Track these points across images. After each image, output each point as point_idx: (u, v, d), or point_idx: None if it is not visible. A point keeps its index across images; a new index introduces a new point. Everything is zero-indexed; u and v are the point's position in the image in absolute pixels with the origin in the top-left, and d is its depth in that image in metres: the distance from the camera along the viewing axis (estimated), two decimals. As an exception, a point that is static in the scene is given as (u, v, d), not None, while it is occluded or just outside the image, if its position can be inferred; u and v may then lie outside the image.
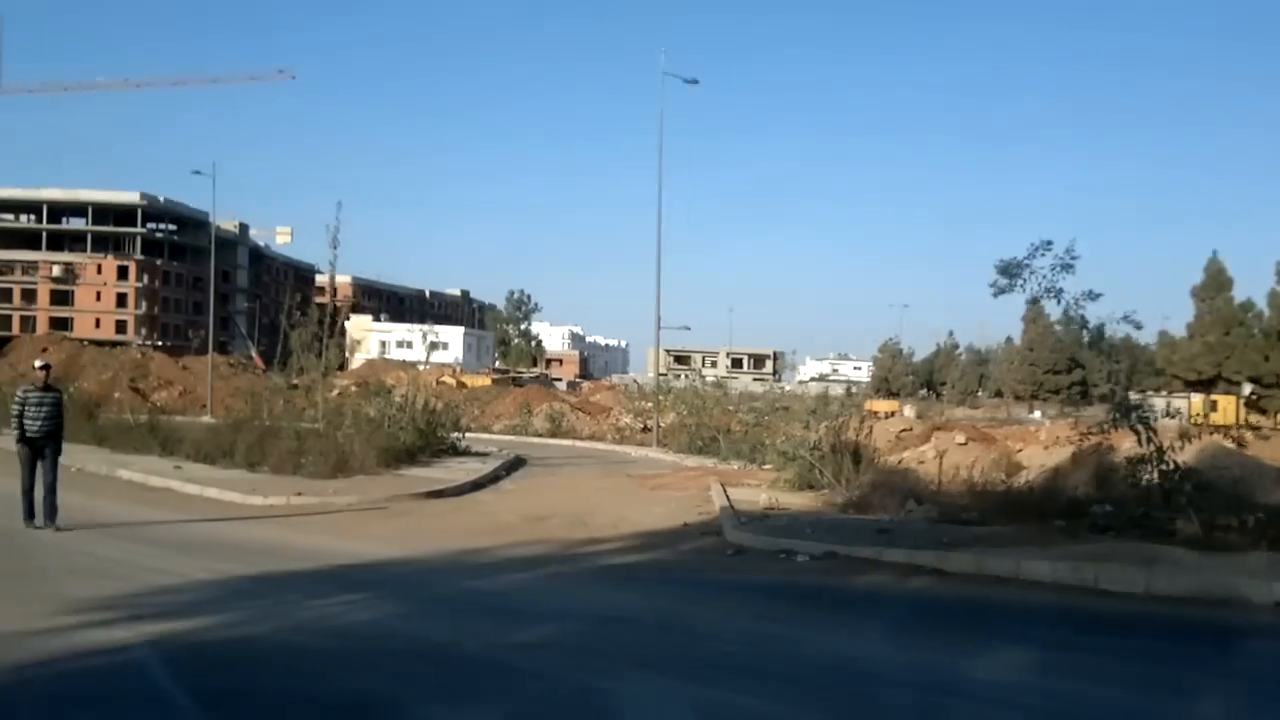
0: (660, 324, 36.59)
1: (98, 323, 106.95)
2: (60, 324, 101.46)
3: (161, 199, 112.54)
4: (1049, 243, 12.93)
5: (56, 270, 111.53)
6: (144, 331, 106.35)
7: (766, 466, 23.19)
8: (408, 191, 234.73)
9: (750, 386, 77.05)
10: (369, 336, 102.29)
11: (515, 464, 25.83)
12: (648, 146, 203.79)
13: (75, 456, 21.71)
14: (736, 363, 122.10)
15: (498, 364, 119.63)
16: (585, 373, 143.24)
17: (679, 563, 11.97)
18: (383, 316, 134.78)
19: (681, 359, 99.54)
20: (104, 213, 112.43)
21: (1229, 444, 16.95)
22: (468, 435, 29.20)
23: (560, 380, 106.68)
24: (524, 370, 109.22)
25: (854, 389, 74.57)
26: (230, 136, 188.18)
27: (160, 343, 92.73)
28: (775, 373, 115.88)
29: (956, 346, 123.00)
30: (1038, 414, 75.90)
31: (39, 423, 12.81)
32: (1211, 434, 16.45)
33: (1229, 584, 9.42)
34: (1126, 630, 8.53)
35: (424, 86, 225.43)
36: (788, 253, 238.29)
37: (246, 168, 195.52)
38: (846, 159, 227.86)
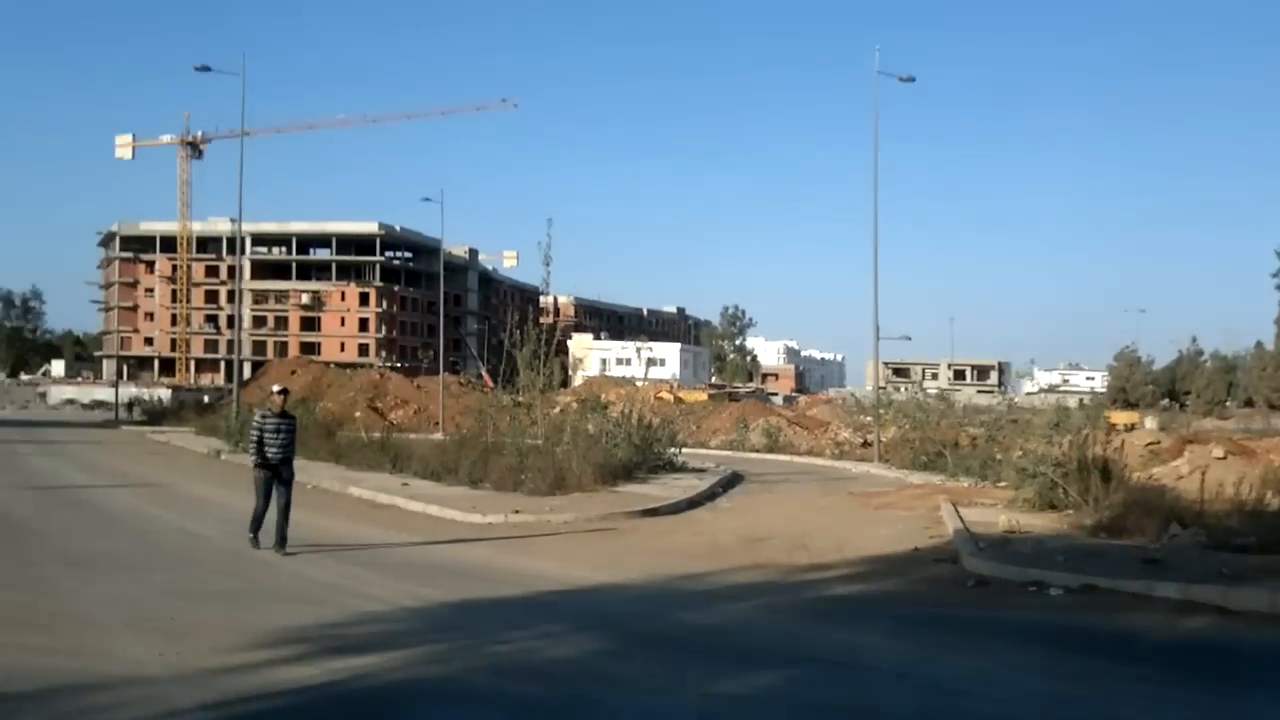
0: (879, 335, 34.97)
1: (342, 346, 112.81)
2: (308, 348, 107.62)
3: (398, 228, 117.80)
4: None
5: (305, 298, 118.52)
6: (383, 354, 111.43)
7: (1001, 484, 21.42)
8: (625, 212, 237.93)
9: (974, 399, 73.60)
10: (590, 354, 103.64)
11: (732, 480, 24.92)
12: (860, 153, 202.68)
13: (313, 473, 22.32)
14: (959, 374, 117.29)
15: (714, 379, 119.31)
16: (801, 387, 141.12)
17: (913, 595, 10.67)
18: (603, 335, 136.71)
19: (900, 371, 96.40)
20: (346, 243, 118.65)
21: None
22: (684, 451, 28.51)
23: (776, 395, 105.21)
24: (739, 385, 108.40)
25: (1087, 400, 69.97)
26: (460, 164, 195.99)
27: (397, 364, 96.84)
28: (1000, 384, 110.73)
29: (1200, 353, 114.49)
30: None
31: (277, 448, 12.60)
32: None
33: None
34: None
35: (639, 110, 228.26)
36: (1011, 257, 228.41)
37: (476, 194, 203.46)
38: (1073, 156, 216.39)
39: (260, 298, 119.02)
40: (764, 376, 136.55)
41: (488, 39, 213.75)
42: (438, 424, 43.67)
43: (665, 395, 59.64)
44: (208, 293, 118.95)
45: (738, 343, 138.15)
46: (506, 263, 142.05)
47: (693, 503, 19.81)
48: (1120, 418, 60.57)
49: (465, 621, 8.91)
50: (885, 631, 8.80)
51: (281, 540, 12.42)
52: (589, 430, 24.51)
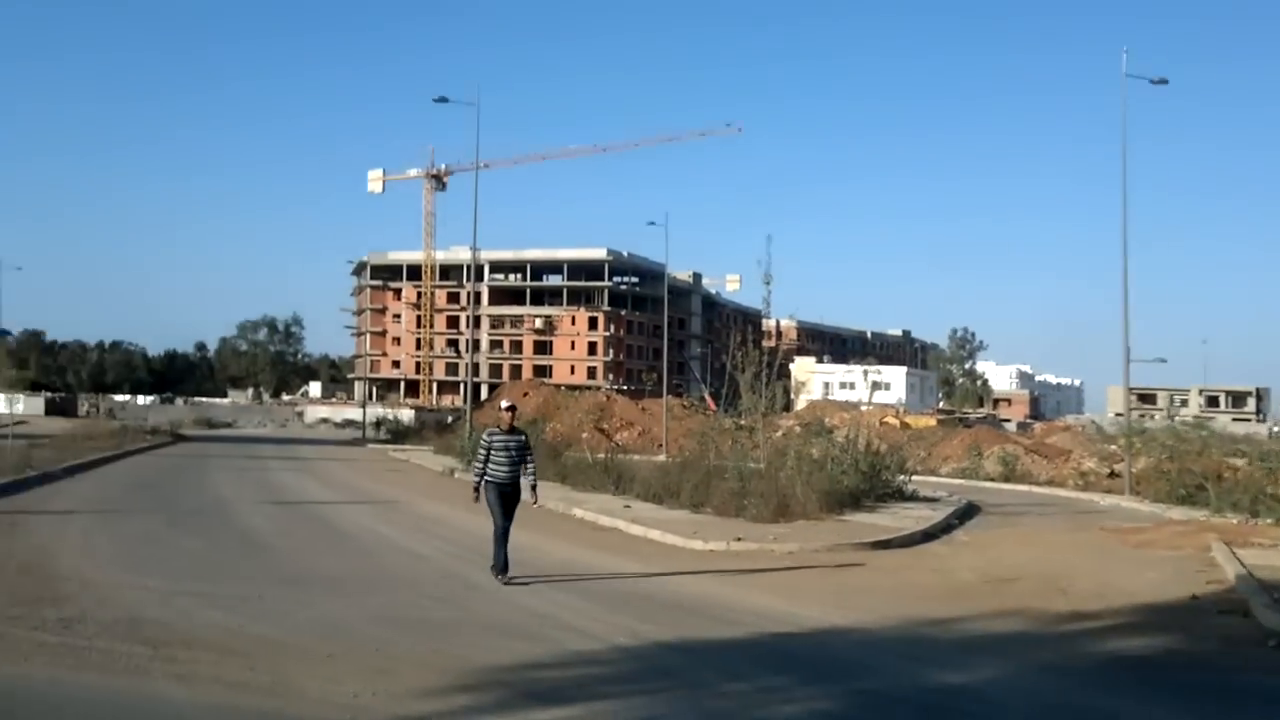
0: (1129, 358, 31.93)
1: (572, 369, 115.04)
2: (540, 371, 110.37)
3: (625, 253, 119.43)
4: None
5: (538, 322, 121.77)
6: (609, 376, 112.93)
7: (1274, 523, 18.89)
8: (848, 232, 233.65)
9: (1229, 427, 67.48)
10: (812, 378, 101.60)
11: (968, 511, 23.10)
12: (1100, 161, 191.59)
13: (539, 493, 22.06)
14: (1212, 400, 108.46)
15: (941, 404, 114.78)
16: (1035, 413, 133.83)
17: (1201, 656, 9.00)
18: (825, 358, 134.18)
19: (1145, 397, 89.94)
20: (576, 269, 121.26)
21: None
22: (913, 479, 26.80)
23: (1009, 421, 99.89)
24: (969, 410, 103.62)
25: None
26: (685, 189, 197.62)
27: (623, 386, 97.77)
28: (1259, 411, 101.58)
29: None
30: None
31: (504, 468, 11.80)
32: None
33: None
34: None
35: (864, 126, 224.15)
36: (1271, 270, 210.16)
37: (700, 219, 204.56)
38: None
39: (497, 322, 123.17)
40: (995, 402, 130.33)
41: (711, 62, 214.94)
42: (661, 446, 43.31)
43: (891, 420, 57.34)
44: (449, 318, 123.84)
45: (967, 366, 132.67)
46: (729, 286, 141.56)
47: (927, 535, 18.29)
48: None
49: (682, 667, 7.98)
50: (1178, 703, 7.29)
51: (504, 566, 11.66)
52: (813, 455, 23.35)
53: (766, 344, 32.06)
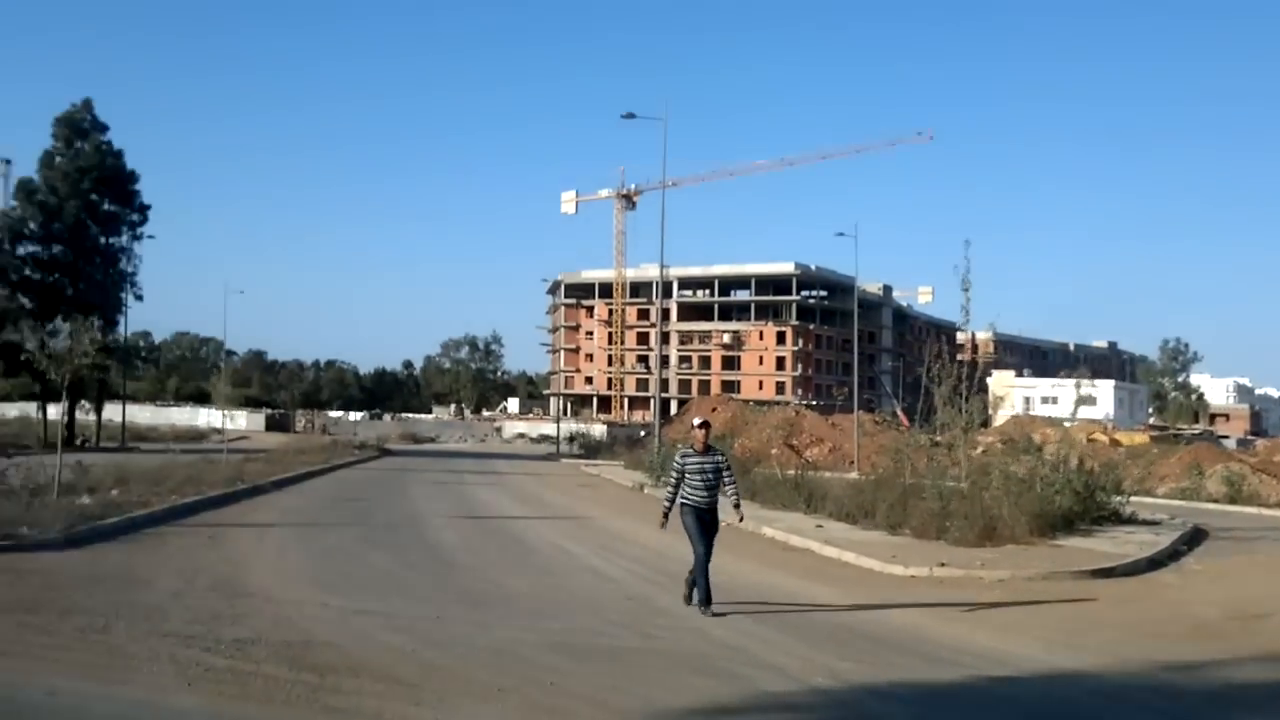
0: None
1: (760, 385, 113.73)
2: (729, 386, 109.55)
3: (813, 267, 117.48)
4: None
5: (726, 338, 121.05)
6: (798, 391, 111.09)
7: None
8: (1046, 242, 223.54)
9: None
10: (1011, 392, 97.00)
11: (1195, 536, 20.87)
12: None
13: (727, 510, 21.22)
14: None
15: (1152, 420, 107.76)
16: (1257, 429, 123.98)
17: None
18: (1025, 372, 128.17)
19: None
20: (764, 283, 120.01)
21: None
22: (1129, 500, 24.56)
23: (1227, 437, 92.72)
24: (1184, 426, 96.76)
25: None
26: (874, 200, 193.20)
27: (812, 401, 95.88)
28: None
29: None
30: None
31: (700, 491, 10.71)
32: None
33: None
34: None
35: (1059, 134, 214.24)
36: None
37: (889, 230, 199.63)
38: None
39: (685, 338, 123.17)
40: (1211, 417, 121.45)
41: (900, 70, 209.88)
42: (852, 462, 41.89)
43: (1099, 436, 53.85)
44: (639, 334, 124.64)
45: (1180, 379, 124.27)
46: (921, 299, 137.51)
47: (1154, 562, 16.42)
48: None
49: (891, 716, 6.96)
50: None
51: (704, 597, 10.52)
52: (1019, 474, 21.60)
53: (961, 357, 30.32)
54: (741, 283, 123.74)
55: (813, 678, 7.83)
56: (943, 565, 14.67)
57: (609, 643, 8.99)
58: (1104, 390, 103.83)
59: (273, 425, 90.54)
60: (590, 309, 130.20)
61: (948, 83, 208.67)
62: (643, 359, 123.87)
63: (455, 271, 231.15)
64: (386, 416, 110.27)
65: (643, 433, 64.37)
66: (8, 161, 51.53)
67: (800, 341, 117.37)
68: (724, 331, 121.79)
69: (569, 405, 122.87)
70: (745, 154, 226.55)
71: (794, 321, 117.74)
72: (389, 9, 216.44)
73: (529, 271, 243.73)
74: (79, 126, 52.22)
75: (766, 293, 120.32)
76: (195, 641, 8.01)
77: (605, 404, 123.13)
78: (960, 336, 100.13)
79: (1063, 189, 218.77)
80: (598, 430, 77.11)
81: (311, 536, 16.51)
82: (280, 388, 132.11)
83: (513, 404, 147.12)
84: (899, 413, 68.94)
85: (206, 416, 77.96)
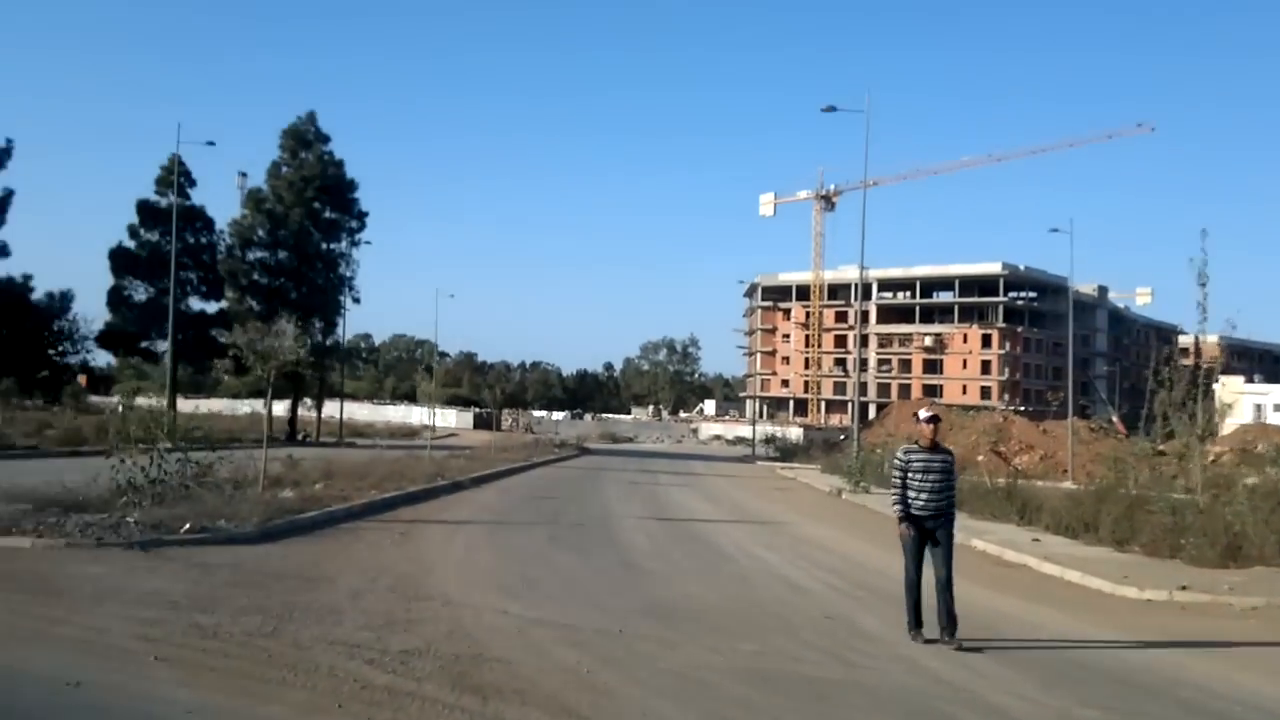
0: None
1: (964, 389, 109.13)
2: (930, 391, 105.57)
3: (1021, 267, 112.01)
4: None
5: (928, 341, 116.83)
6: (1005, 397, 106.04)
7: None
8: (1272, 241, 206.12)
9: None
10: (1240, 399, 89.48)
11: None
12: None
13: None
14: None
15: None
16: None
17: None
18: (1256, 378, 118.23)
19: None
20: (969, 284, 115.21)
21: None
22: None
23: None
24: None
25: None
26: (1089, 197, 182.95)
27: (1020, 407, 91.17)
28: None
29: None
30: None
31: (925, 495, 9.20)
32: None
33: None
34: None
35: None
36: None
37: (1106, 228, 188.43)
38: None
39: (884, 341, 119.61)
40: None
41: (1116, 61, 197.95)
42: (1065, 471, 39.24)
43: (1351, 447, 48.53)
44: (837, 337, 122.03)
45: None
46: (1139, 300, 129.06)
47: None
48: None
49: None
50: None
51: (949, 624, 8.95)
52: (1265, 488, 19.16)
53: (1184, 362, 27.53)
54: (944, 284, 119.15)
55: (1048, 726, 6.57)
56: (1184, 588, 12.89)
57: (807, 671, 7.91)
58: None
59: (480, 423, 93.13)
60: (787, 311, 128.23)
61: (1171, 73, 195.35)
62: (840, 362, 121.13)
63: (655, 275, 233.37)
64: (587, 416, 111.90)
65: (841, 436, 62.48)
66: (243, 175, 54.61)
67: (1007, 345, 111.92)
68: (925, 334, 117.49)
69: (765, 408, 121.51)
70: (949, 151, 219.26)
71: (1000, 324, 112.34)
72: (591, 8, 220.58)
73: (727, 274, 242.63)
74: (304, 138, 54.75)
75: (971, 294, 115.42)
76: (360, 651, 7.43)
77: (801, 407, 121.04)
78: (1183, 340, 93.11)
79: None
80: (794, 433, 75.59)
81: (501, 535, 16.09)
82: (488, 387, 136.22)
83: (709, 406, 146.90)
84: (1115, 420, 64.37)
85: (419, 414, 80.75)
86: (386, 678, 6.75)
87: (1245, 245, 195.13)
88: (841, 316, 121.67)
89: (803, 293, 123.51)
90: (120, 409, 16.97)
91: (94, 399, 56.09)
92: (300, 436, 53.58)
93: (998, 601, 12.00)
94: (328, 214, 55.18)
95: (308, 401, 57.44)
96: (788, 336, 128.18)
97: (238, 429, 46.56)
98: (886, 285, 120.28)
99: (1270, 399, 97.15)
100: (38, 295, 42.23)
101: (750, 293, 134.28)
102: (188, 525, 13.11)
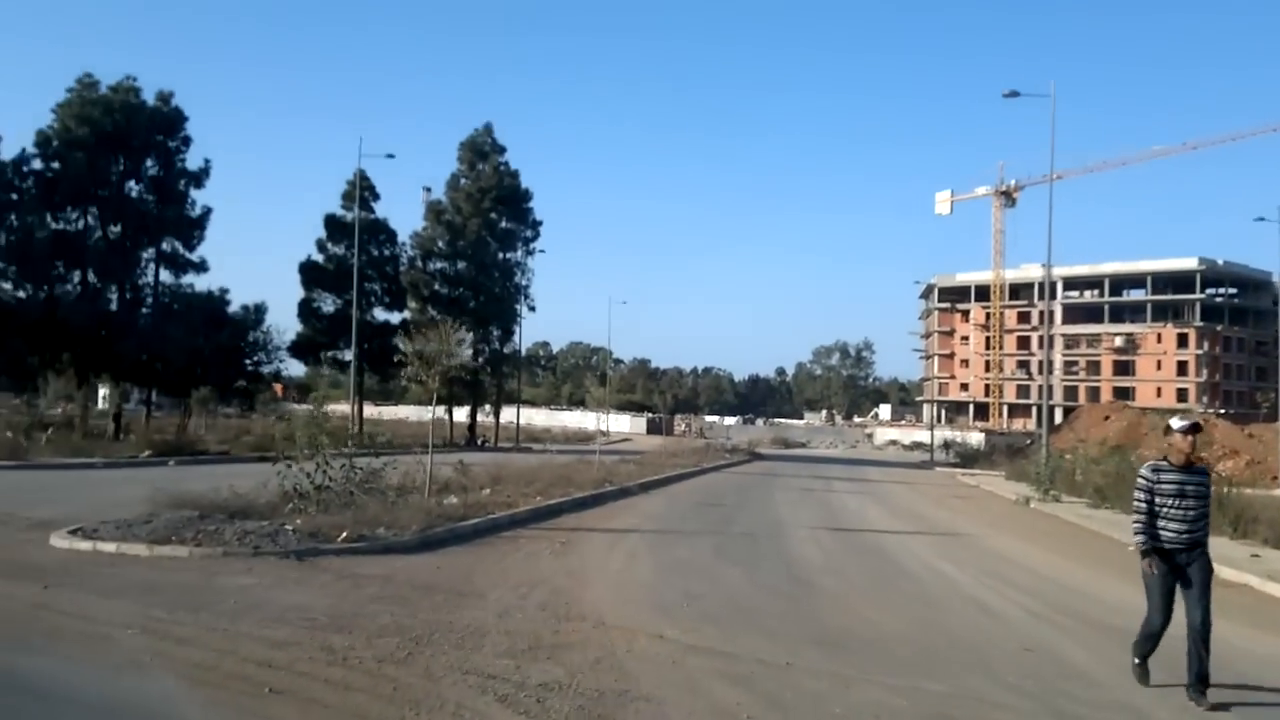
0: None
1: (1158, 391, 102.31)
2: (1121, 393, 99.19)
3: (1220, 262, 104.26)
4: None
5: (1118, 341, 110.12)
6: (1203, 399, 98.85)
7: None
8: None
9: None
10: None
11: None
12: None
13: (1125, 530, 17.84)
14: None
15: None
16: None
17: None
18: None
19: None
20: (1162, 282, 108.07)
21: None
22: None
23: None
24: None
25: None
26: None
27: (1221, 410, 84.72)
28: None
29: None
30: None
31: (1177, 524, 7.33)
32: None
33: None
34: None
35: None
36: None
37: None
38: None
39: (1071, 342, 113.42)
40: None
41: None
42: (1275, 478, 35.76)
43: None
44: (1019, 339, 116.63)
45: None
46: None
47: None
48: None
49: None
50: None
51: (1198, 679, 7.18)
52: None
53: None
54: (1135, 281, 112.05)
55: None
56: None
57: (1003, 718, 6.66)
58: None
59: (652, 429, 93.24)
60: (966, 313, 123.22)
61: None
62: (1022, 364, 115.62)
63: (827, 278, 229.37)
64: (759, 421, 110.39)
65: (1027, 441, 59.20)
66: (428, 189, 55.86)
67: (1206, 344, 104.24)
68: (1115, 334, 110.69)
69: (943, 412, 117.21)
70: (1136, 140, 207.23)
71: (1198, 322, 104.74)
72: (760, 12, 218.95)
73: (901, 276, 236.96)
74: (481, 149, 55.63)
75: (1164, 292, 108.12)
76: (495, 684, 6.59)
77: (981, 411, 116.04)
78: None
79: None
80: (974, 438, 72.24)
81: (665, 545, 15.16)
82: (660, 393, 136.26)
83: (884, 410, 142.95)
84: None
85: (593, 420, 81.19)
86: (515, 720, 5.89)
87: None
88: (1024, 317, 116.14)
89: (982, 293, 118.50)
90: (286, 415, 16.82)
91: (292, 406, 58.46)
92: (480, 441, 54.37)
93: (1222, 628, 10.28)
94: (504, 224, 55.87)
95: (486, 408, 58.32)
96: (966, 338, 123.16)
97: (422, 435, 47.48)
98: (1072, 284, 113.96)
99: None
100: (234, 308, 43.99)
101: (927, 294, 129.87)
102: (345, 534, 12.72)
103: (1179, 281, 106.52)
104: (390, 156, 50.01)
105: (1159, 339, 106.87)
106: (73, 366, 39.20)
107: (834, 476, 38.69)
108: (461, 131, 64.41)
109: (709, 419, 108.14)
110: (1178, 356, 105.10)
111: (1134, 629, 7.85)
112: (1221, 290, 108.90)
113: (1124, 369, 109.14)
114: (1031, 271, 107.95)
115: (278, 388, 64.79)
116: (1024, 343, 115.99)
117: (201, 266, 42.46)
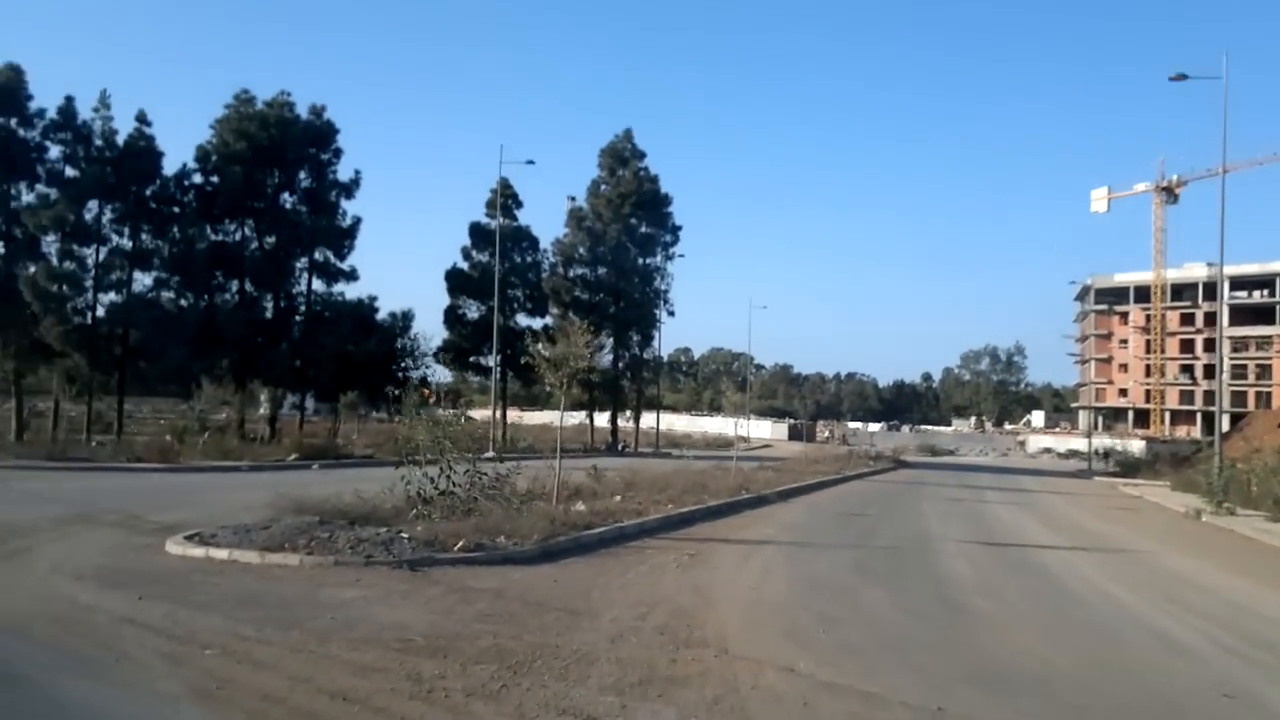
0: None
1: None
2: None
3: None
4: None
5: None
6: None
7: None
8: None
9: None
10: None
11: None
12: None
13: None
14: None
15: None
16: None
17: None
18: None
19: None
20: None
21: None
22: None
23: None
24: None
25: None
26: None
27: None
28: None
29: None
30: None
31: None
32: None
33: None
34: None
35: None
36: None
37: None
38: None
39: (1239, 345, 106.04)
40: None
41: None
42: None
43: None
44: (1182, 342, 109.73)
45: None
46: None
47: None
48: None
49: None
50: None
51: None
52: None
53: None
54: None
55: None
56: None
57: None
58: None
59: (794, 435, 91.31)
60: (1124, 315, 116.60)
61: None
62: (1185, 368, 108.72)
63: (976, 281, 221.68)
64: (904, 428, 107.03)
65: (1194, 449, 55.24)
66: (572, 198, 55.86)
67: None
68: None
69: (1100, 419, 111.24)
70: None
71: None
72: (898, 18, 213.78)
73: (1055, 278, 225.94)
74: (621, 155, 55.21)
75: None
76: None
77: (1142, 418, 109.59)
78: None
79: None
80: (1135, 446, 68.02)
81: (801, 560, 13.99)
82: (803, 399, 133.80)
83: (1037, 417, 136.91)
84: None
85: (733, 426, 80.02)
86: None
87: None
88: (1187, 319, 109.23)
89: (1142, 294, 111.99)
90: (409, 419, 16.37)
91: (440, 412, 59.27)
92: (620, 447, 53.90)
93: None
94: (644, 229, 55.30)
95: (627, 413, 57.85)
96: (1125, 342, 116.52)
97: (564, 440, 47.32)
98: (1240, 283, 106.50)
99: None
100: (381, 315, 44.64)
101: (1082, 296, 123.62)
102: (461, 542, 12.02)
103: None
104: (530, 163, 49.91)
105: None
106: (230, 372, 40.35)
107: (985, 486, 36.56)
108: (604, 137, 64.24)
109: (852, 425, 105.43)
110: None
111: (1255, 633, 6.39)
112: None
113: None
114: (1195, 271, 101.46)
115: (426, 393, 65.89)
116: (1187, 346, 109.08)
117: (352, 275, 43.22)
